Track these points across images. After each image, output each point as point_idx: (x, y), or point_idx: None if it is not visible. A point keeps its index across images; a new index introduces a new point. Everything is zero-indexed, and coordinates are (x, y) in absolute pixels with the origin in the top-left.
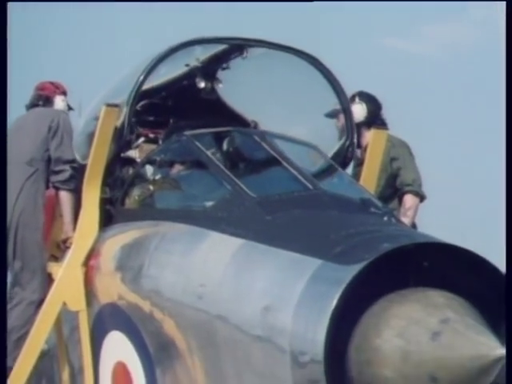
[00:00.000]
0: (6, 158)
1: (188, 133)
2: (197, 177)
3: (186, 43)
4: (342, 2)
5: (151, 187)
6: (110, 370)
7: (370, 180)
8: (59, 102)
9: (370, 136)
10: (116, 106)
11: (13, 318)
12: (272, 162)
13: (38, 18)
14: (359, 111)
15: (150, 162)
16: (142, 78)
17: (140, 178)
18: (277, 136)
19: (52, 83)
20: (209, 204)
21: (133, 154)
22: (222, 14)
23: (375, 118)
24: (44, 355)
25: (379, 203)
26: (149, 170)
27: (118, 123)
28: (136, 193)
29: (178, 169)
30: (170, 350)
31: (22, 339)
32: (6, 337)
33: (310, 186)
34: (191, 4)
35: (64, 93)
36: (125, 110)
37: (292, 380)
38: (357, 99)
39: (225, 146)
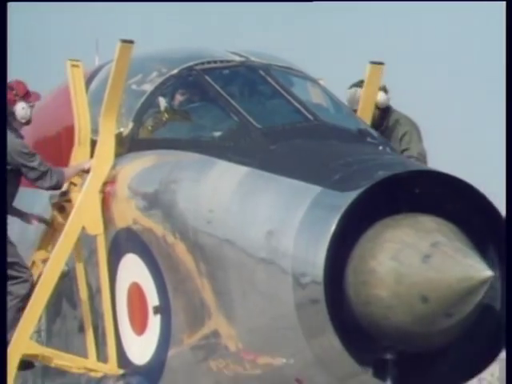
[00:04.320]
0: (5, 157)
1: (198, 67)
2: (206, 109)
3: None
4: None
5: (163, 118)
6: (125, 290)
7: (366, 111)
8: (20, 112)
9: (366, 70)
10: (131, 41)
11: None
12: (276, 95)
13: (38, 18)
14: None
15: (163, 94)
16: (148, 99)
17: (153, 109)
18: (281, 70)
19: (12, 88)
20: (217, 134)
21: (146, 87)
22: (222, 14)
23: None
24: (64, 276)
25: (375, 133)
26: (161, 101)
27: (124, 132)
28: (149, 123)
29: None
30: (181, 272)
31: None
32: (6, 335)
33: (311, 118)
34: (191, 4)
35: (24, 96)
36: (130, 126)
37: (293, 300)
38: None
39: (232, 80)
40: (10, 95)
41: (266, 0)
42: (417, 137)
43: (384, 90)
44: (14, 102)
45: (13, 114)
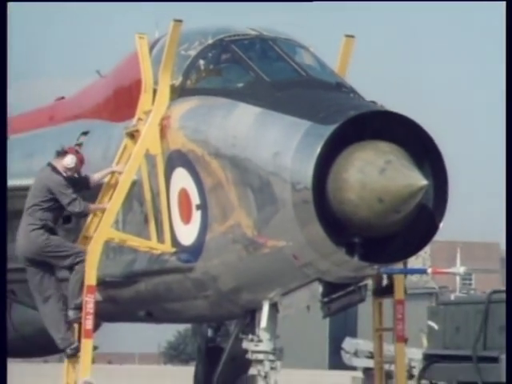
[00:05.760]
0: (6, 156)
1: (227, 39)
2: (232, 67)
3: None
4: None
5: (203, 74)
6: (176, 193)
7: (341, 73)
8: (68, 159)
9: (341, 42)
10: (180, 20)
11: None
12: (280, 58)
13: (38, 17)
14: None
15: (202, 57)
16: (192, 61)
17: (195, 68)
18: (284, 41)
19: (75, 149)
20: (239, 85)
21: (191, 52)
22: (222, 14)
23: None
24: (134, 183)
25: (348, 85)
26: (201, 62)
27: (176, 84)
28: (193, 78)
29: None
30: (214, 180)
31: None
32: (5, 335)
33: (304, 74)
34: (191, 4)
35: (81, 159)
36: (180, 79)
37: (291, 200)
38: None
39: (250, 48)
40: (70, 148)
41: (266, 0)
42: None
43: None
44: (70, 152)
45: (63, 156)
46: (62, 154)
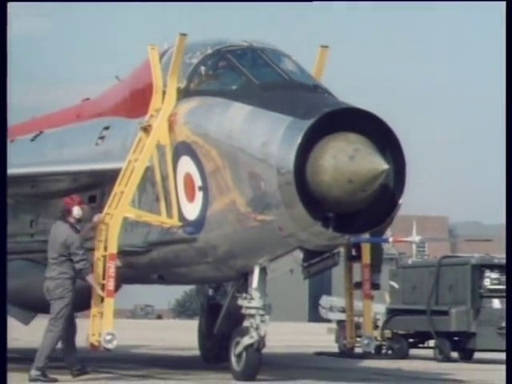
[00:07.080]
0: (5, 157)
1: (223, 49)
2: (228, 73)
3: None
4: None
5: (203, 78)
6: (182, 176)
7: (317, 78)
8: (75, 211)
9: (317, 51)
10: (185, 34)
11: None
12: (268, 65)
13: (39, 17)
14: None
15: (203, 64)
16: (195, 68)
17: (197, 73)
18: (271, 50)
19: (72, 198)
20: (234, 87)
21: (194, 60)
22: (222, 15)
23: None
24: (147, 168)
25: (323, 87)
26: (202, 69)
27: (181, 86)
28: (195, 81)
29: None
30: (213, 166)
31: None
32: (5, 335)
33: (287, 78)
34: (191, 4)
35: (80, 202)
36: (185, 83)
37: (277, 182)
38: None
39: (243, 57)
40: (67, 201)
41: (266, 0)
42: None
43: None
44: (72, 205)
45: (71, 212)
46: (67, 210)
